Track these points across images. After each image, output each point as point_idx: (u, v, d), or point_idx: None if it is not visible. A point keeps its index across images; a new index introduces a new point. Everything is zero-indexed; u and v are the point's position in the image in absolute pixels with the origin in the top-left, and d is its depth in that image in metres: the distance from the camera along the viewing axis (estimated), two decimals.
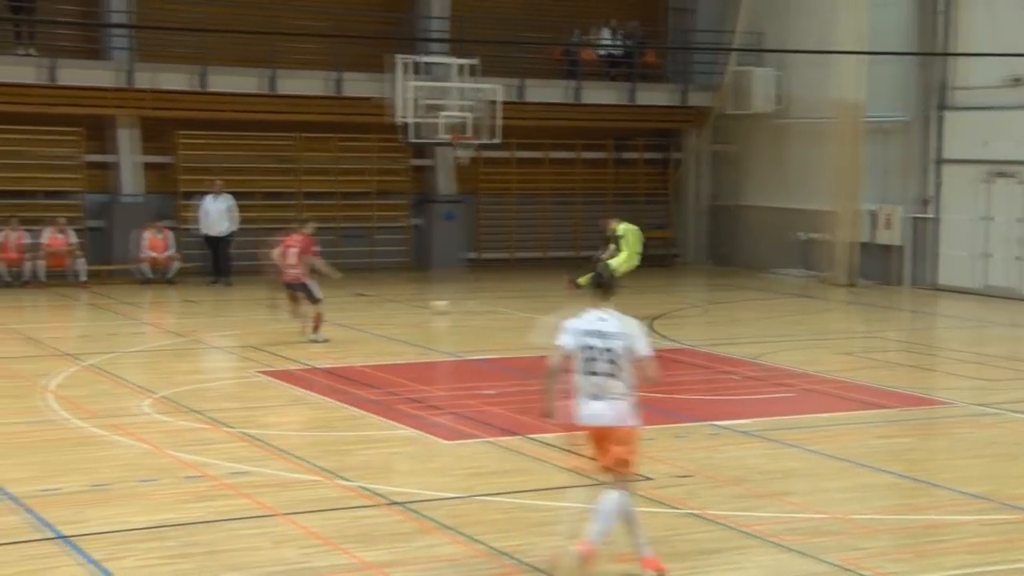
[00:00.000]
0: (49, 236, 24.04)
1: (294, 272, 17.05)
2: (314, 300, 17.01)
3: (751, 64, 27.86)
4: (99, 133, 25.83)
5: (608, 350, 7.61)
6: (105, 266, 24.83)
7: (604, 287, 7.81)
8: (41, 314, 21.08)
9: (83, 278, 23.78)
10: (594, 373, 7.63)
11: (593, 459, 7.86)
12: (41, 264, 23.80)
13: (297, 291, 17.13)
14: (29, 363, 15.30)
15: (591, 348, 7.62)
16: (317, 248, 17.59)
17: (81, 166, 25.66)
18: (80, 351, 16.23)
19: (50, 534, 8.30)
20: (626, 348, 7.61)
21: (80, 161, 25.68)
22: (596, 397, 7.65)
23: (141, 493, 9.43)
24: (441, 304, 17.16)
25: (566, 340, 7.71)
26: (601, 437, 7.72)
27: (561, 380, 7.74)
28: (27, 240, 23.93)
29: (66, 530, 8.35)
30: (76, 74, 25.07)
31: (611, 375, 7.62)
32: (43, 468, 10.06)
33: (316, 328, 17.04)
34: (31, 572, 7.56)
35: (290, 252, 17.10)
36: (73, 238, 24.34)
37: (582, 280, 20.11)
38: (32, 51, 25.20)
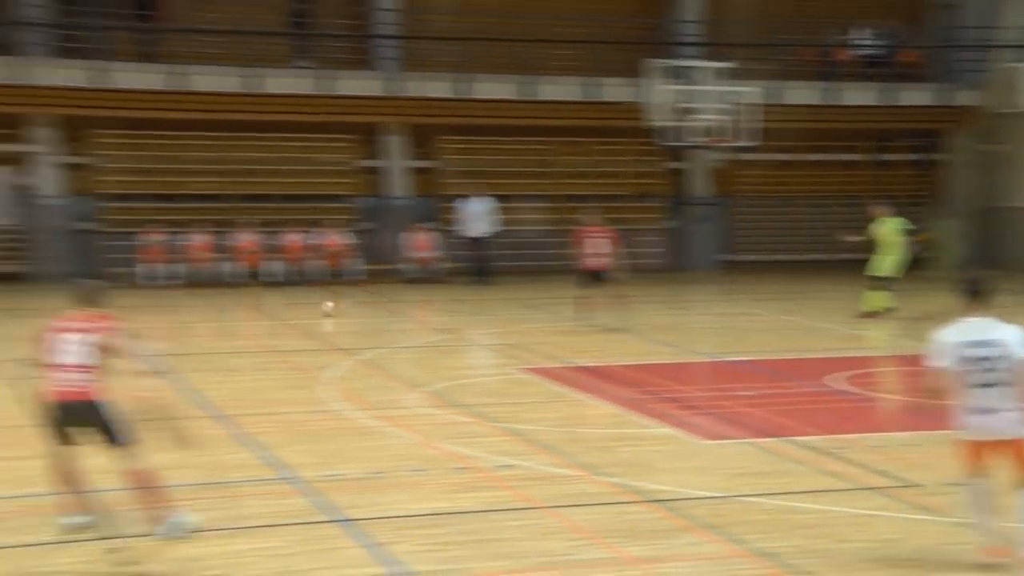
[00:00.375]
0: (327, 237, 25.22)
1: (601, 260, 17.83)
2: (613, 287, 17.82)
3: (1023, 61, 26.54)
4: (370, 140, 26.88)
5: (992, 359, 7.23)
6: (376, 265, 25.82)
7: (980, 294, 7.40)
8: (320, 310, 22.01)
9: (357, 277, 24.82)
10: (981, 384, 7.26)
11: (976, 467, 7.48)
12: (320, 263, 24.99)
13: (599, 278, 17.81)
14: (310, 356, 16.05)
15: (975, 359, 7.25)
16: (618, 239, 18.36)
17: (354, 171, 26.76)
18: (355, 346, 16.92)
19: (334, 517, 8.69)
20: (1011, 355, 7.22)
21: (353, 166, 26.79)
22: (986, 409, 7.28)
23: (415, 482, 9.74)
24: (328, 306, 17.26)
25: (943, 353, 7.35)
26: (991, 449, 7.37)
27: (944, 395, 7.43)
28: (306, 241, 25.22)
29: (349, 514, 8.73)
30: (348, 84, 26.19)
31: (999, 384, 7.23)
32: (326, 455, 10.52)
33: (612, 309, 17.70)
34: (318, 552, 7.93)
35: (599, 242, 17.89)
36: (348, 239, 25.45)
37: (875, 303, 19.40)
38: (309, 64, 26.46)
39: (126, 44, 26.18)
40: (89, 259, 24.26)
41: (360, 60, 27.42)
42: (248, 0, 26.25)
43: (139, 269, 24.35)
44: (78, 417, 7.61)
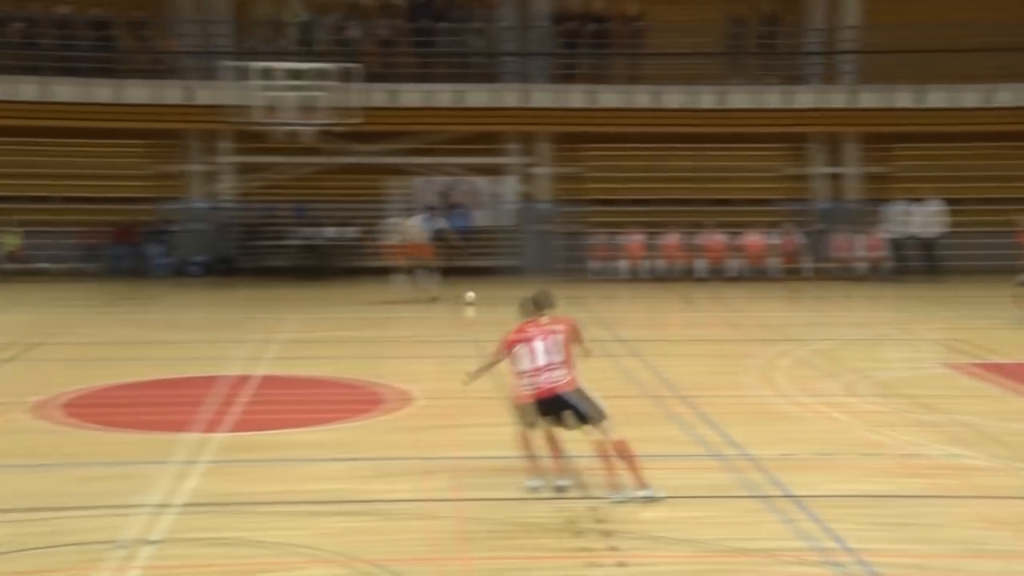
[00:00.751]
0: (783, 238, 25.08)
1: None
2: None
3: None
4: (829, 147, 26.44)
5: None
6: (828, 264, 25.23)
7: None
8: (739, 304, 21.52)
9: (808, 275, 24.50)
10: None
11: None
12: (775, 261, 24.88)
13: None
14: (732, 346, 16.03)
15: None
16: None
17: (812, 177, 26.48)
18: (805, 336, 16.67)
19: (756, 493, 8.65)
20: None
21: (811, 173, 26.53)
22: None
23: (839, 465, 9.48)
24: (470, 296, 15.31)
25: None
26: None
27: None
28: (765, 241, 25.18)
29: (767, 491, 8.65)
30: (807, 98, 25.97)
31: None
32: (754, 435, 10.35)
33: None
34: (743, 524, 7.85)
35: None
36: (802, 239, 25.17)
37: None
38: (774, 80, 26.45)
39: (612, 69, 27.27)
40: (570, 257, 25.54)
41: (821, 75, 26.91)
42: (716, 27, 26.53)
43: (620, 265, 25.28)
44: (550, 409, 8.34)
